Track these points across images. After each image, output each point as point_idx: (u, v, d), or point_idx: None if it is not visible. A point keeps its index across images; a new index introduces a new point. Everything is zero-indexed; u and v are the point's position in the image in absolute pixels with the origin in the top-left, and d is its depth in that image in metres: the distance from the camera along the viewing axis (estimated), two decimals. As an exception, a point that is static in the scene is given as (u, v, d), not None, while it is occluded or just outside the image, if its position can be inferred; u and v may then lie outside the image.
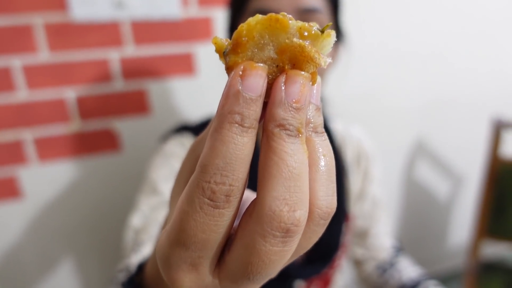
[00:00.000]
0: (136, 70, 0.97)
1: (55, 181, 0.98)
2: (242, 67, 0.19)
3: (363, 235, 0.77)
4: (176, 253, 0.20)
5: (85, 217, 1.04)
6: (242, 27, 0.20)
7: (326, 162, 0.21)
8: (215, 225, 0.20)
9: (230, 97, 0.20)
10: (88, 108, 0.96)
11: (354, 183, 0.73)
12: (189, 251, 0.20)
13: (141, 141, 1.02)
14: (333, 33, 0.21)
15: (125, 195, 1.05)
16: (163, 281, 0.25)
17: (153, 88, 0.99)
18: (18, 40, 0.86)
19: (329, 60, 0.21)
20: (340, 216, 0.67)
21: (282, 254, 0.20)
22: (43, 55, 0.88)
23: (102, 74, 0.94)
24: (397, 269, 0.73)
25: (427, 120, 1.40)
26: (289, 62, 0.20)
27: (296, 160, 0.19)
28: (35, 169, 0.95)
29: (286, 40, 0.20)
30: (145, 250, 0.52)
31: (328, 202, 0.21)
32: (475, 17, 1.32)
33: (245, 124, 0.19)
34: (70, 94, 0.93)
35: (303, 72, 0.20)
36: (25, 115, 0.91)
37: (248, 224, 0.20)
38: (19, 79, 0.88)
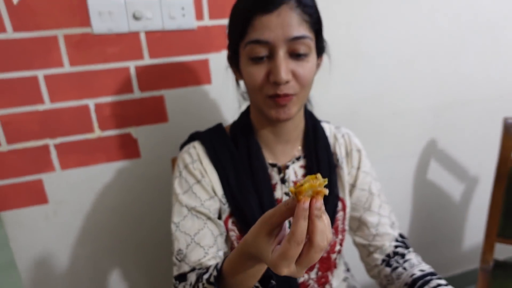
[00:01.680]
0: (153, 79, 1.01)
1: (77, 187, 1.03)
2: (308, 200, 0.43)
3: (364, 225, 0.81)
4: (282, 263, 0.44)
5: (105, 221, 1.08)
6: (304, 184, 0.43)
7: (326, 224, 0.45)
8: (295, 257, 0.44)
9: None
10: (108, 116, 1.00)
11: (346, 174, 0.81)
12: (288, 262, 0.44)
13: (158, 147, 1.06)
14: (326, 190, 0.43)
15: (143, 199, 1.10)
16: (239, 273, 0.54)
17: (169, 96, 1.03)
18: (43, 53, 0.91)
19: (327, 191, 0.43)
20: (333, 199, 0.77)
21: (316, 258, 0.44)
22: (66, 67, 0.93)
23: (121, 84, 0.98)
24: (408, 261, 0.76)
25: (439, 122, 1.41)
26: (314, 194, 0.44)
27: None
28: (58, 175, 1.00)
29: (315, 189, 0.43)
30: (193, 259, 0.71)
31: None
32: (485, 18, 1.32)
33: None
34: (91, 103, 0.98)
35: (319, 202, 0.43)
36: (49, 124, 0.96)
37: (309, 250, 0.44)
38: (44, 90, 0.93)
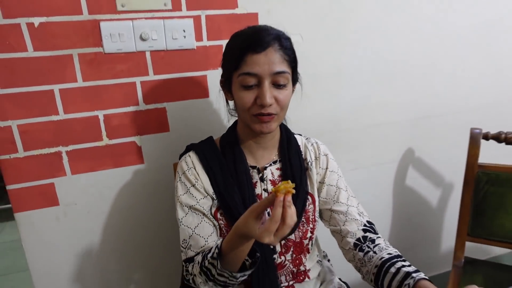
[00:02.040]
0: (156, 93, 1.12)
1: (86, 191, 1.13)
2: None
3: (336, 215, 0.95)
4: (265, 235, 0.64)
5: (111, 223, 1.18)
6: (280, 186, 0.64)
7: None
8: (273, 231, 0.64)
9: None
10: (115, 126, 1.11)
11: (315, 174, 0.97)
12: (269, 234, 0.64)
13: (161, 154, 1.17)
14: (293, 191, 0.65)
15: (146, 202, 1.20)
16: (234, 249, 0.73)
17: (171, 108, 1.15)
18: (59, 70, 1.02)
19: (294, 191, 0.65)
20: (303, 193, 0.93)
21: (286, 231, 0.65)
22: (79, 82, 1.04)
23: (128, 97, 1.10)
24: (377, 244, 0.88)
25: (415, 132, 1.54)
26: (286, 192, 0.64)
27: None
28: (69, 179, 1.10)
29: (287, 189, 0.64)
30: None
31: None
32: (452, 43, 1.47)
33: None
34: (100, 114, 1.09)
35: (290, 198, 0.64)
36: (62, 133, 1.07)
37: (283, 226, 0.65)
38: (58, 102, 1.04)
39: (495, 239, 1.31)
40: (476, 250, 1.46)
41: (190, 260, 0.85)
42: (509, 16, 1.54)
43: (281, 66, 0.80)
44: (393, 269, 0.81)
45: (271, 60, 0.79)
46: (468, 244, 1.36)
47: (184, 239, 0.87)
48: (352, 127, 1.43)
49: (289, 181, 0.65)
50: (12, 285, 2.13)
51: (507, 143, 1.25)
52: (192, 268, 0.83)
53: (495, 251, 1.82)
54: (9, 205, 2.97)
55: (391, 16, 1.35)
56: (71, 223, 1.14)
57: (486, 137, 1.28)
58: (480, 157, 1.30)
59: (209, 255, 0.78)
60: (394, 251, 0.86)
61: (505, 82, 1.63)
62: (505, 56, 1.59)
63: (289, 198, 0.64)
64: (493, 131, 1.29)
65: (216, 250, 0.76)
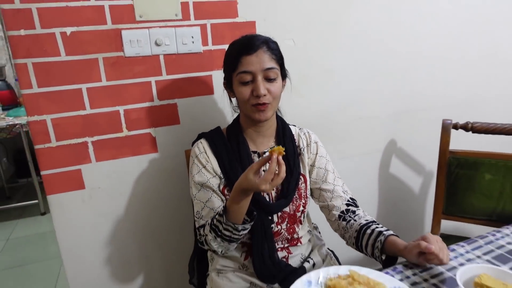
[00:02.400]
0: (169, 90, 1.30)
1: (108, 176, 1.30)
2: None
3: (324, 193, 1.12)
4: (262, 183, 0.84)
5: (130, 204, 1.35)
6: (275, 148, 0.85)
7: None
8: (269, 180, 0.84)
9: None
10: (133, 119, 1.29)
11: (307, 158, 1.15)
12: (265, 182, 0.84)
13: (173, 144, 1.35)
14: (284, 152, 0.85)
15: (159, 186, 1.37)
16: (236, 205, 0.90)
17: (181, 104, 1.33)
18: (86, 71, 1.20)
19: (284, 152, 0.86)
20: (297, 174, 1.10)
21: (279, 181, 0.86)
22: (103, 81, 1.22)
23: (144, 94, 1.28)
24: (357, 215, 1.06)
25: (397, 125, 1.73)
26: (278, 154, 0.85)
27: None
28: (93, 166, 1.28)
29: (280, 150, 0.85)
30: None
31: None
32: (430, 45, 1.66)
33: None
34: (120, 109, 1.26)
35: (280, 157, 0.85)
36: (88, 125, 1.24)
37: (277, 177, 0.85)
38: (86, 99, 1.22)
39: (466, 216, 1.49)
40: (450, 227, 1.64)
41: (202, 226, 1.02)
42: (481, 21, 1.73)
43: (270, 63, 0.99)
44: (369, 231, 0.98)
45: (262, 59, 0.97)
46: (443, 222, 1.54)
47: (197, 211, 1.05)
48: (340, 121, 1.61)
49: (280, 146, 0.85)
50: (20, 277, 2.30)
51: (474, 132, 1.44)
52: (204, 230, 1.00)
53: (468, 228, 2.00)
54: (21, 203, 3.20)
55: (373, 23, 1.54)
56: (95, 204, 1.31)
57: (456, 126, 1.46)
58: (451, 145, 1.48)
59: (217, 215, 0.97)
60: (370, 218, 1.04)
61: (474, 81, 1.82)
62: (476, 59, 1.78)
63: (281, 157, 0.84)
64: (462, 122, 1.47)
65: (222, 208, 0.95)
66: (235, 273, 1.08)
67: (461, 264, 0.86)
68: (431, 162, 1.79)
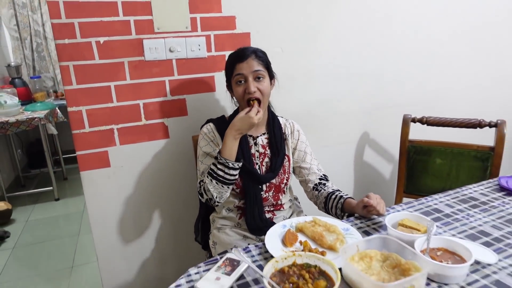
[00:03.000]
0: (179, 88, 1.61)
1: (129, 156, 1.61)
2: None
3: (303, 170, 1.43)
4: (251, 114, 1.23)
5: (146, 180, 1.66)
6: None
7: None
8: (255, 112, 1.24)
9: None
10: (150, 111, 1.60)
11: (291, 143, 1.44)
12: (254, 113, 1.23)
13: (182, 132, 1.66)
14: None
15: (170, 166, 1.68)
16: (227, 148, 1.24)
17: (189, 99, 1.64)
18: (115, 72, 1.50)
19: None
20: (283, 154, 1.38)
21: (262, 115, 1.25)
22: (127, 80, 1.53)
23: (160, 90, 1.58)
24: (327, 186, 1.37)
25: (370, 119, 2.04)
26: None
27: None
28: (117, 148, 1.58)
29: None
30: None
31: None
32: (397, 51, 1.98)
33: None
34: (140, 103, 1.57)
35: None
36: (115, 115, 1.55)
37: (259, 112, 1.26)
38: (113, 94, 1.53)
39: (422, 193, 1.80)
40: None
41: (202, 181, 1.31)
42: (445, 27, 2.05)
43: (258, 67, 1.28)
44: (333, 197, 1.30)
45: (251, 65, 1.27)
46: (405, 199, 1.85)
47: (202, 172, 1.34)
48: (321, 115, 1.92)
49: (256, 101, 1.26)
50: (42, 252, 2.61)
51: (428, 124, 1.76)
52: (204, 179, 1.28)
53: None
54: (37, 190, 3.57)
55: (348, 32, 1.85)
56: (118, 179, 1.62)
57: (414, 120, 1.78)
58: (411, 135, 1.80)
59: (213, 168, 1.26)
60: (335, 188, 1.36)
61: (432, 83, 2.14)
62: (435, 64, 2.10)
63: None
64: (419, 117, 1.79)
65: (217, 153, 1.26)
66: (231, 229, 1.39)
67: (397, 217, 1.18)
68: (396, 150, 2.12)
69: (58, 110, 3.58)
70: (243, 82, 1.29)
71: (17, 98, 3.23)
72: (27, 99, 3.61)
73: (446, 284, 0.85)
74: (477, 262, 0.92)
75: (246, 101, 1.30)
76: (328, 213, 1.35)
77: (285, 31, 1.74)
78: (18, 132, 3.20)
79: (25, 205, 3.33)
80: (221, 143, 1.35)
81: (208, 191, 1.25)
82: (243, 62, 1.27)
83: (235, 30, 1.64)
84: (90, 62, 1.46)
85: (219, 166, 1.23)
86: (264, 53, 1.34)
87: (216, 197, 1.26)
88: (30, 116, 3.07)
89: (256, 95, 1.29)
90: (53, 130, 3.24)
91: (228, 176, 1.23)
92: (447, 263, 0.87)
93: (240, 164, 1.25)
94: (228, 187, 1.26)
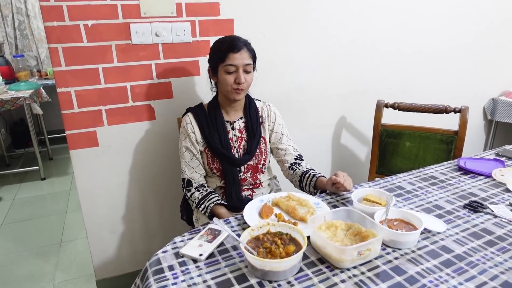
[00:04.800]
0: (165, 71, 1.68)
1: (117, 136, 1.69)
2: None
3: (279, 150, 1.54)
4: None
5: (134, 159, 1.75)
6: None
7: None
8: None
9: None
10: (137, 93, 1.67)
11: (267, 125, 1.53)
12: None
13: (167, 114, 1.74)
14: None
15: (156, 146, 1.77)
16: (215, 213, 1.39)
17: (174, 82, 1.71)
18: (102, 55, 1.56)
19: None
20: (258, 137, 1.47)
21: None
22: (115, 63, 1.59)
23: (146, 73, 1.65)
24: (301, 165, 1.48)
25: (347, 104, 2.16)
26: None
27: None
28: (106, 128, 1.66)
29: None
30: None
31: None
32: (371, 40, 2.08)
33: None
34: (128, 85, 1.64)
35: None
36: (103, 96, 1.62)
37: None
38: (101, 76, 1.59)
39: (392, 174, 1.93)
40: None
41: (184, 180, 1.47)
42: (417, 16, 2.16)
43: (249, 60, 1.36)
44: (307, 175, 1.42)
45: (243, 57, 1.34)
46: (377, 179, 1.99)
47: (182, 167, 1.47)
48: (299, 99, 2.03)
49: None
50: (30, 229, 2.68)
51: (399, 110, 1.88)
52: (189, 192, 1.46)
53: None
54: (23, 169, 3.57)
55: (328, 21, 1.94)
56: (107, 159, 1.70)
57: (386, 105, 1.90)
58: (384, 119, 1.93)
59: (201, 207, 1.41)
60: (309, 167, 1.47)
61: (406, 71, 2.26)
62: (408, 52, 2.22)
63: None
64: (391, 102, 1.91)
65: (210, 207, 1.39)
66: (213, 207, 1.51)
67: (364, 193, 1.30)
68: (370, 134, 2.25)
69: (43, 90, 3.58)
70: (233, 72, 1.34)
71: (0, 77, 3.23)
72: (10, 78, 3.59)
73: (399, 249, 0.98)
74: (428, 231, 1.05)
75: (232, 89, 1.37)
76: (303, 190, 1.47)
77: (267, 18, 1.82)
78: (1, 111, 3.20)
79: (11, 184, 3.37)
80: (198, 134, 1.45)
81: (189, 200, 1.48)
82: (237, 53, 1.32)
83: (219, 16, 1.71)
84: (78, 44, 1.52)
85: (200, 208, 1.41)
86: (251, 46, 1.40)
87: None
88: (14, 96, 3.08)
89: (244, 86, 1.36)
90: (38, 110, 3.26)
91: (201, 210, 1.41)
92: (401, 231, 1.00)
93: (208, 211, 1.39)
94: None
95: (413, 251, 0.97)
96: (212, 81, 1.51)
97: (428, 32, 2.24)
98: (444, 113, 1.80)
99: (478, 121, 2.80)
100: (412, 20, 2.16)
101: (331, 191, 1.30)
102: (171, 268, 0.93)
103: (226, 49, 1.34)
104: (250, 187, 1.53)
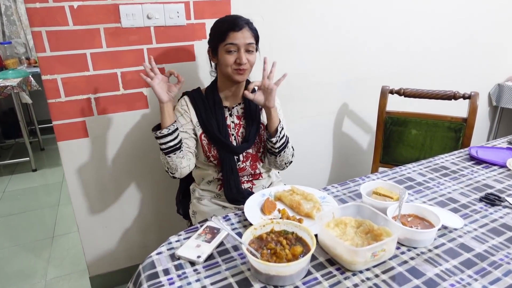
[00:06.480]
0: (158, 57, 1.57)
1: (108, 127, 1.59)
2: None
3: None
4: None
5: (126, 151, 1.65)
6: None
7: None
8: None
9: None
10: (129, 80, 1.56)
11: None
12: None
13: (161, 101, 1.64)
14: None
15: (149, 136, 1.66)
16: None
17: (168, 68, 1.61)
18: (90, 39, 1.45)
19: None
20: (257, 123, 1.39)
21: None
22: (104, 48, 1.48)
23: (138, 59, 1.55)
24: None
25: (349, 91, 2.06)
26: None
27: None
28: (95, 118, 1.56)
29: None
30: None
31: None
32: (378, 27, 1.98)
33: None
34: (118, 72, 1.54)
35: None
36: (92, 84, 1.51)
37: None
38: (89, 62, 1.48)
39: (397, 163, 1.86)
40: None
41: None
42: (424, 2, 2.06)
43: (251, 39, 1.27)
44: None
45: (245, 36, 1.25)
46: (380, 169, 1.92)
47: None
48: (300, 86, 1.93)
49: None
50: (21, 223, 2.59)
51: (405, 96, 1.79)
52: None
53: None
54: (13, 160, 3.46)
55: (329, 5, 1.83)
56: (97, 149, 1.60)
57: (392, 91, 1.81)
58: (388, 106, 1.84)
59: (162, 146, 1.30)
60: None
61: (410, 56, 2.16)
62: (413, 38, 2.12)
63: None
64: (397, 88, 1.82)
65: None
66: (211, 200, 1.42)
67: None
68: (374, 121, 2.16)
69: (32, 78, 3.45)
70: (234, 51, 1.27)
71: (-14, 65, 3.10)
72: (-3, 66, 3.47)
73: (415, 248, 0.90)
74: (444, 227, 0.97)
75: (233, 70, 1.28)
76: (276, 155, 1.40)
77: (266, 0, 1.71)
78: (-11, 100, 3.08)
79: (1, 176, 3.27)
80: (194, 117, 1.36)
81: (163, 164, 1.35)
82: (238, 31, 1.25)
83: (215, -3, 1.60)
84: (63, 28, 1.41)
85: (156, 137, 1.29)
86: (254, 25, 1.32)
87: (168, 169, 1.33)
88: (2, 84, 2.96)
89: (246, 66, 1.28)
90: (27, 99, 3.14)
91: (161, 145, 1.28)
92: (417, 228, 0.92)
93: (163, 131, 1.26)
94: (168, 156, 1.29)
95: (429, 250, 0.89)
96: (212, 63, 1.41)
97: (433, 16, 2.13)
98: (452, 99, 1.71)
99: (483, 107, 2.72)
100: (417, 5, 2.06)
101: (262, 102, 1.32)
102: (166, 272, 0.84)
103: (227, 28, 1.26)
104: (250, 178, 1.44)
